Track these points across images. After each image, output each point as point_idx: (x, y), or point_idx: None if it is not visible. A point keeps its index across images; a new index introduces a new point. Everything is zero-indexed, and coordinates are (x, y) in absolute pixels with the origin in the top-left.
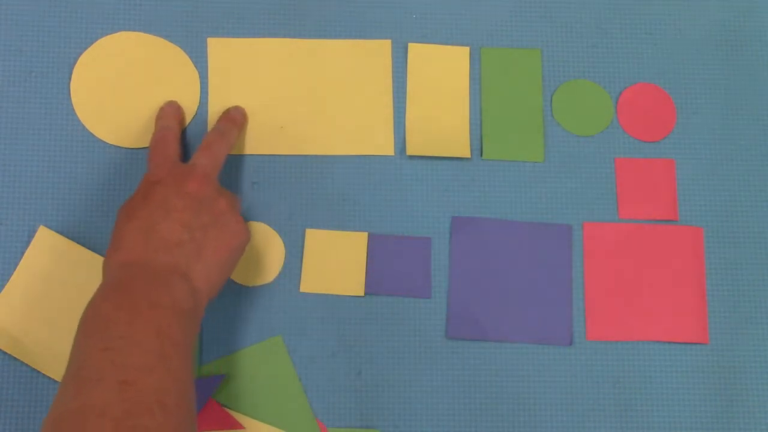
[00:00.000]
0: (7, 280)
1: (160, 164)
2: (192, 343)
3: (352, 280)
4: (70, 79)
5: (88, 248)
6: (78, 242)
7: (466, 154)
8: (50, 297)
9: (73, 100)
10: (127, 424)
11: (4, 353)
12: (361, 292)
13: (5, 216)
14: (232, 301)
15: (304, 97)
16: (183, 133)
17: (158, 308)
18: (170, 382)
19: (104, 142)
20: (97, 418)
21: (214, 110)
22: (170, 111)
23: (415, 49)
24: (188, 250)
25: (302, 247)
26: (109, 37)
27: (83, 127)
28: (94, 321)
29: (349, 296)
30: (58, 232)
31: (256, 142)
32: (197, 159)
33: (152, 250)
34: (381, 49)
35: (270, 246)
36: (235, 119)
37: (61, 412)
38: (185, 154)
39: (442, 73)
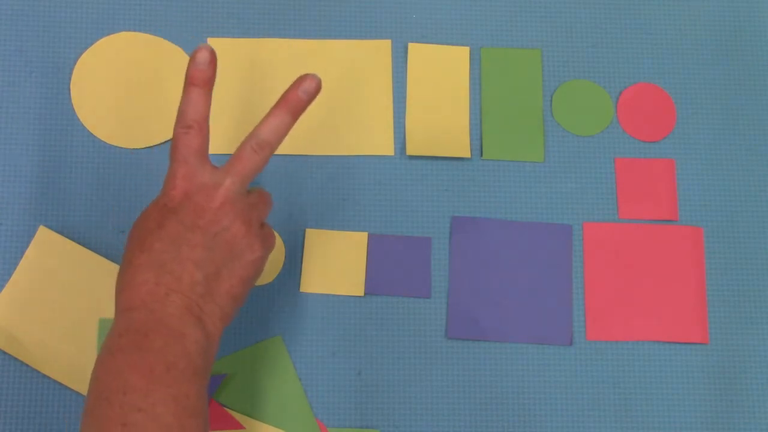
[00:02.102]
0: (7, 280)
1: (179, 182)
2: (206, 405)
3: (352, 280)
4: (70, 79)
5: (88, 248)
6: (78, 242)
7: (466, 154)
8: (50, 297)
9: (73, 100)
10: None
11: (4, 353)
12: (361, 292)
13: (5, 216)
14: None
15: None
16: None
17: (174, 371)
18: None
19: (104, 142)
20: None
21: (215, 110)
22: (201, 77)
23: (415, 49)
24: (200, 290)
25: (302, 247)
26: (109, 37)
27: (83, 127)
28: (111, 384)
29: (349, 296)
30: (58, 232)
31: None
32: (224, 177)
33: (163, 291)
34: (381, 49)
35: None
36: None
37: None
38: None
39: (442, 73)
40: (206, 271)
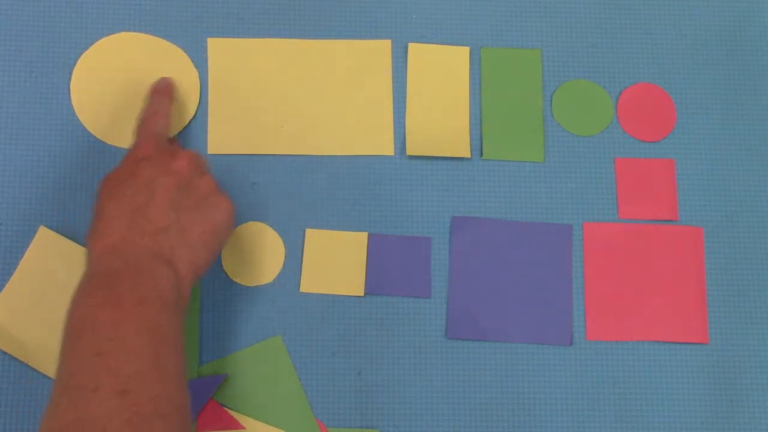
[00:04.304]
0: (7, 280)
1: (147, 139)
2: (181, 336)
3: (352, 280)
4: (70, 79)
5: None
6: (78, 242)
7: (466, 154)
8: (50, 297)
9: (73, 100)
10: None
11: (4, 353)
12: (361, 292)
13: (5, 216)
14: (232, 301)
15: (304, 97)
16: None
17: (145, 304)
18: (166, 387)
19: (104, 142)
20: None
21: (214, 110)
22: (162, 88)
23: (415, 49)
24: (173, 233)
25: (302, 247)
26: (109, 37)
27: (83, 127)
28: (82, 321)
29: (349, 296)
30: (58, 232)
31: (256, 142)
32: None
33: (137, 235)
34: (381, 49)
35: (270, 246)
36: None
37: (59, 425)
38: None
39: (442, 73)
40: (179, 212)
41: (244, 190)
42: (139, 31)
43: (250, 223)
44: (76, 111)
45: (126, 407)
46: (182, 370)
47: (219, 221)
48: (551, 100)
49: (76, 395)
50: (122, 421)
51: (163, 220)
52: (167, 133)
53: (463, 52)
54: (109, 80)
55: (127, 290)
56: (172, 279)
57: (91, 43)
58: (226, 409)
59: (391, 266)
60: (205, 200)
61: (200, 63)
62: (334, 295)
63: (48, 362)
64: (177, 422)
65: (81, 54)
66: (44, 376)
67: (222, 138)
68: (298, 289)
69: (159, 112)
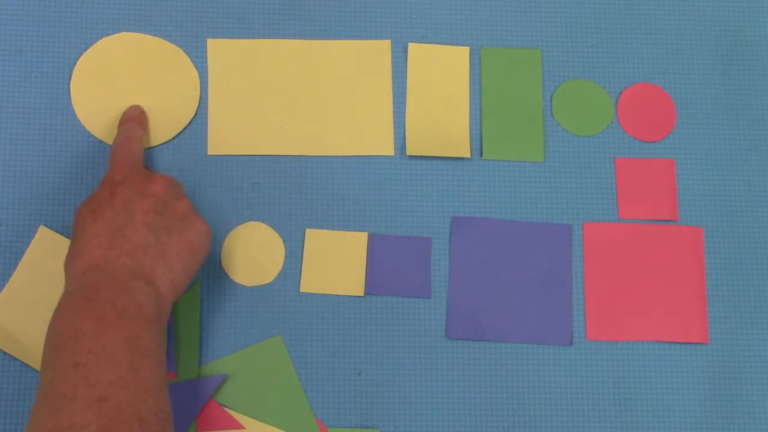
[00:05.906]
0: (7, 280)
1: (122, 164)
2: (161, 350)
3: (352, 280)
4: (70, 79)
5: None
6: None
7: (466, 154)
8: (50, 297)
9: (73, 100)
10: None
11: (4, 353)
12: (361, 292)
13: (5, 216)
14: (232, 301)
15: (304, 97)
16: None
17: (125, 318)
18: (145, 395)
19: (104, 143)
20: None
21: (214, 111)
22: (134, 115)
23: (415, 49)
24: (152, 253)
25: (302, 247)
26: (109, 37)
27: (83, 127)
28: (63, 333)
29: (349, 296)
30: (58, 232)
31: (256, 142)
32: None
33: (116, 254)
34: (381, 49)
35: (270, 246)
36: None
37: None
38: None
39: (442, 73)
40: (157, 233)
41: (244, 190)
42: (139, 31)
43: (250, 223)
44: (76, 111)
45: (103, 414)
46: (162, 381)
47: (196, 242)
48: (551, 100)
49: (55, 403)
50: (98, 427)
51: (141, 240)
52: (142, 157)
53: (463, 52)
54: (109, 80)
55: (107, 303)
56: (152, 295)
57: (91, 43)
58: (226, 409)
59: (391, 266)
60: (182, 222)
61: (200, 63)
62: (334, 295)
63: None
64: (158, 426)
65: (81, 54)
66: None
67: (222, 138)
68: (298, 289)
69: (132, 138)
